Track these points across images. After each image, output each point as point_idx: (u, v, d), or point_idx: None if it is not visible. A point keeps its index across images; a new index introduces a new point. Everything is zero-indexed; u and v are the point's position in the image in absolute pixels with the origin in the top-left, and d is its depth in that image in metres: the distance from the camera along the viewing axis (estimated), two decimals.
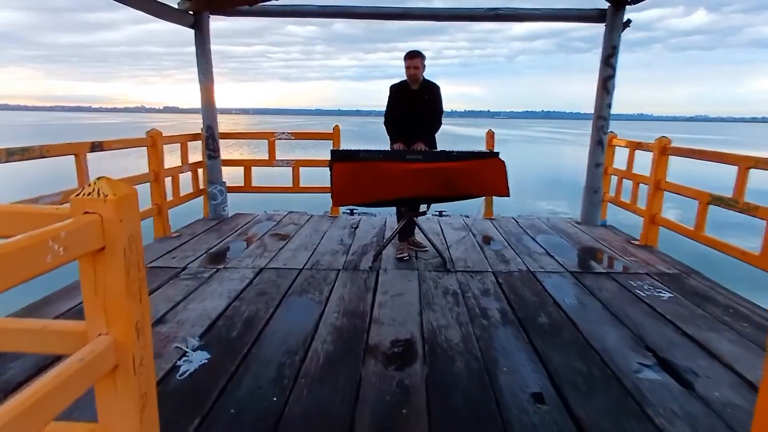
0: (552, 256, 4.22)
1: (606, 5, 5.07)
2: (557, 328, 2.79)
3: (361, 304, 3.10)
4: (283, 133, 5.70)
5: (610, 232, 5.19)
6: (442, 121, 4.14)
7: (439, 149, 3.96)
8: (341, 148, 3.85)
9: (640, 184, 4.97)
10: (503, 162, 3.69)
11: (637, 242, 4.74)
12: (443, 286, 3.45)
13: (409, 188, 3.55)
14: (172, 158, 5.19)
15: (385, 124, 4.14)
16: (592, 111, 5.31)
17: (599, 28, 5.18)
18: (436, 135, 4.17)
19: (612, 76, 5.18)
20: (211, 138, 5.43)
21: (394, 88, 4.07)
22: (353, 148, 3.74)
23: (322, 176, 5.54)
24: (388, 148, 4.01)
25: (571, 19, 5.31)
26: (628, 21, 5.06)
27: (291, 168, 5.76)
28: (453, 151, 3.70)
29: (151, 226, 4.68)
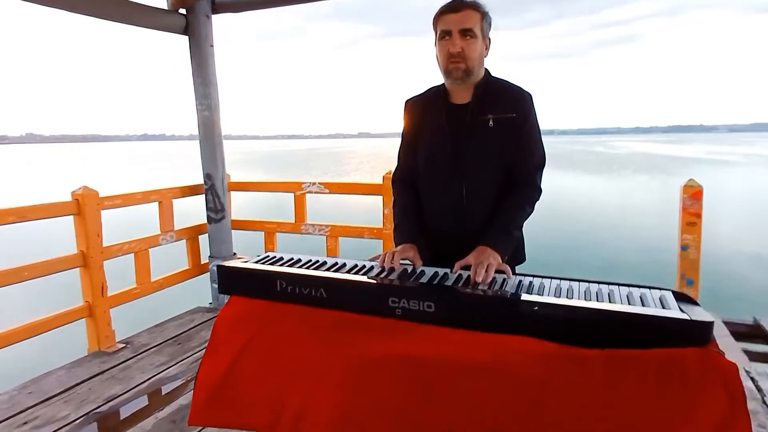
0: None
1: None
2: None
3: None
4: (314, 184, 3.69)
5: None
6: (540, 187, 1.55)
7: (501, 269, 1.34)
8: (240, 263, 1.41)
9: None
10: (734, 367, 0.97)
11: None
12: None
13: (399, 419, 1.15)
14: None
15: (394, 191, 1.74)
16: None
17: None
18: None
19: None
20: (211, 192, 3.73)
21: (411, 105, 1.65)
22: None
23: (369, 249, 3.49)
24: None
25: None
26: None
27: (325, 237, 3.71)
28: (533, 300, 1.14)
29: (83, 333, 3.12)
